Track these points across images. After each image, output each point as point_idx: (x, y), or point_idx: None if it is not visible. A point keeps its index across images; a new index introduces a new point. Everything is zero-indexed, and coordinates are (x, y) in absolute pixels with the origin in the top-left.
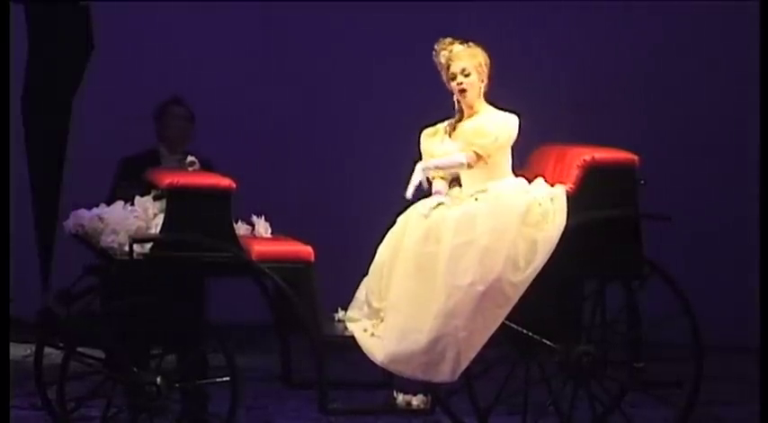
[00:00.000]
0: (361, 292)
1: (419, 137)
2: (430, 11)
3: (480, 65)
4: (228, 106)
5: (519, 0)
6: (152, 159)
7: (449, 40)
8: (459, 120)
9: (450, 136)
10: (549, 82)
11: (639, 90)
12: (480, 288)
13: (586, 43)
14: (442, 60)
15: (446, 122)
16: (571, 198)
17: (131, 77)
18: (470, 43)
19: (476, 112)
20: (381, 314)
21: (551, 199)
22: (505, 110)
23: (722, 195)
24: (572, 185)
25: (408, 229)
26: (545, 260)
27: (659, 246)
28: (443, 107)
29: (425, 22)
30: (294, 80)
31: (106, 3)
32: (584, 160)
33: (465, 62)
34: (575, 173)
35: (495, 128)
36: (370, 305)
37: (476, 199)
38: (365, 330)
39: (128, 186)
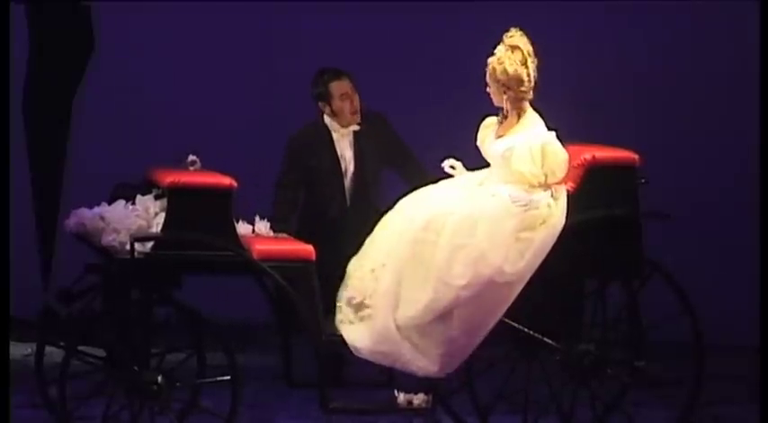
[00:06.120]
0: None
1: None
2: (431, 11)
3: (496, 80)
4: (229, 106)
5: (519, 0)
6: (321, 133)
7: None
8: (504, 119)
9: (497, 137)
10: (550, 82)
11: (640, 90)
12: (472, 290)
13: (587, 43)
14: None
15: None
16: (571, 197)
17: (131, 77)
18: (496, 51)
19: (520, 117)
20: (370, 279)
21: (552, 199)
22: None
23: (722, 195)
24: (572, 185)
25: (410, 209)
26: (537, 260)
27: (660, 245)
28: (440, 109)
29: (427, 23)
30: (294, 80)
31: (106, 3)
32: (585, 159)
33: (488, 75)
34: (575, 172)
35: (549, 170)
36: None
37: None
38: (351, 322)
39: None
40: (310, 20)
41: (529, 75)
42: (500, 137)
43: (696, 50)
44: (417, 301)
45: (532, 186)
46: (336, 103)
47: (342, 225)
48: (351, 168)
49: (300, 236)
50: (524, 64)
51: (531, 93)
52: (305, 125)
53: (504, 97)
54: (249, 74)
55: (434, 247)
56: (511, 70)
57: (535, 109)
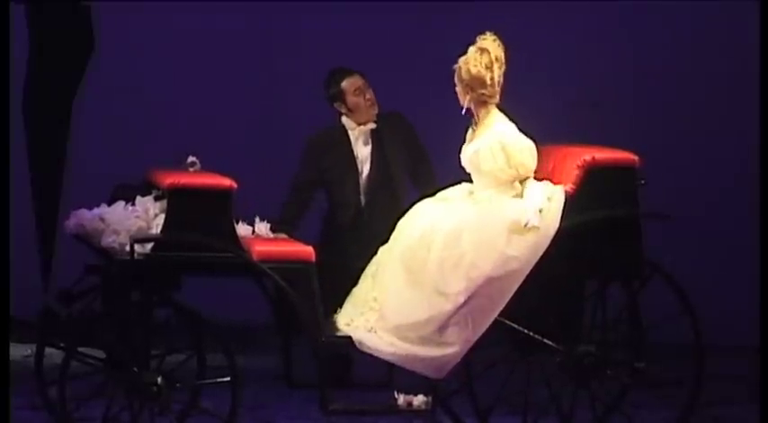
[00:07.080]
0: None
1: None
2: (431, 11)
3: (461, 79)
4: (229, 106)
5: (519, 0)
6: (338, 133)
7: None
8: (475, 126)
9: (468, 144)
10: (550, 82)
11: (639, 90)
12: (468, 294)
13: (586, 43)
14: None
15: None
16: (571, 198)
17: (131, 77)
18: (466, 53)
19: (483, 120)
20: (374, 304)
21: (549, 199)
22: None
23: (722, 195)
24: (572, 186)
25: (409, 229)
26: (531, 259)
27: (660, 246)
28: (440, 109)
29: (427, 23)
30: (294, 80)
31: (106, 3)
32: (585, 160)
33: (455, 75)
34: (575, 173)
35: (517, 164)
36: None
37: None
38: (370, 329)
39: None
40: (310, 20)
41: (492, 79)
42: (470, 143)
43: (696, 50)
44: (415, 314)
45: (509, 182)
46: (351, 99)
47: (357, 225)
48: (366, 167)
49: (322, 237)
50: (489, 67)
51: (497, 97)
52: (325, 127)
53: (467, 98)
54: (249, 74)
55: (425, 263)
56: (474, 71)
57: (502, 110)
